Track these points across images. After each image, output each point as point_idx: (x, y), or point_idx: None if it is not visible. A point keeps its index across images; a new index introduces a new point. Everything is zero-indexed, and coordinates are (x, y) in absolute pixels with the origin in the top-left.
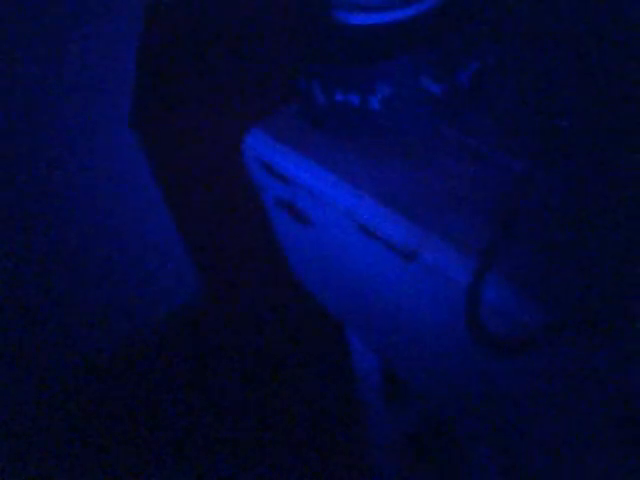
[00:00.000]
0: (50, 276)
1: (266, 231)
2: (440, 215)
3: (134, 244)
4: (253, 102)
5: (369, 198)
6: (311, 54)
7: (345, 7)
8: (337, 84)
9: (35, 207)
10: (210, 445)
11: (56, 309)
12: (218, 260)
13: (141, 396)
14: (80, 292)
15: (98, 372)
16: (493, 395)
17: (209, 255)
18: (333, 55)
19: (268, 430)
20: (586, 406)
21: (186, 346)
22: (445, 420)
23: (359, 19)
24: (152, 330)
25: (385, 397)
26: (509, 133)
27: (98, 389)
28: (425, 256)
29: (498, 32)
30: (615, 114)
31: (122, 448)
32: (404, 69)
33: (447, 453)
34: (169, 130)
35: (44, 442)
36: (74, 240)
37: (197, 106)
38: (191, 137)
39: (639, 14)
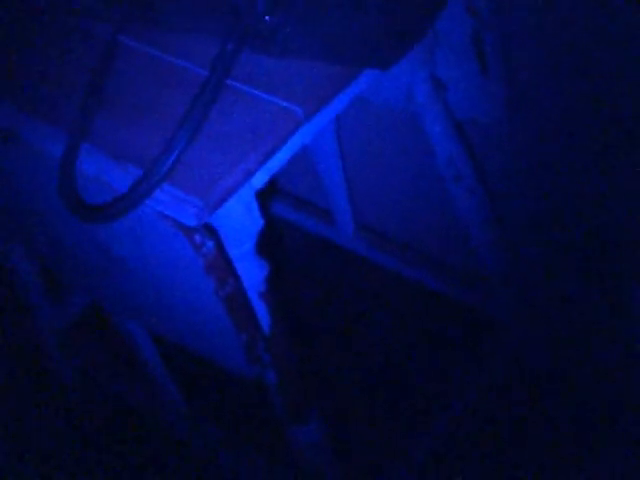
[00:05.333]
0: None
1: None
2: (33, 92)
3: None
4: None
5: None
6: None
7: None
8: None
9: None
10: None
11: None
12: None
13: None
14: None
15: None
16: (113, 263)
17: None
18: None
19: None
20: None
21: None
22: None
23: None
24: None
25: (44, 292)
26: (101, 2)
27: None
28: (20, 134)
29: None
30: None
31: None
32: None
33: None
34: None
35: None
36: None
37: None
38: None
39: None
